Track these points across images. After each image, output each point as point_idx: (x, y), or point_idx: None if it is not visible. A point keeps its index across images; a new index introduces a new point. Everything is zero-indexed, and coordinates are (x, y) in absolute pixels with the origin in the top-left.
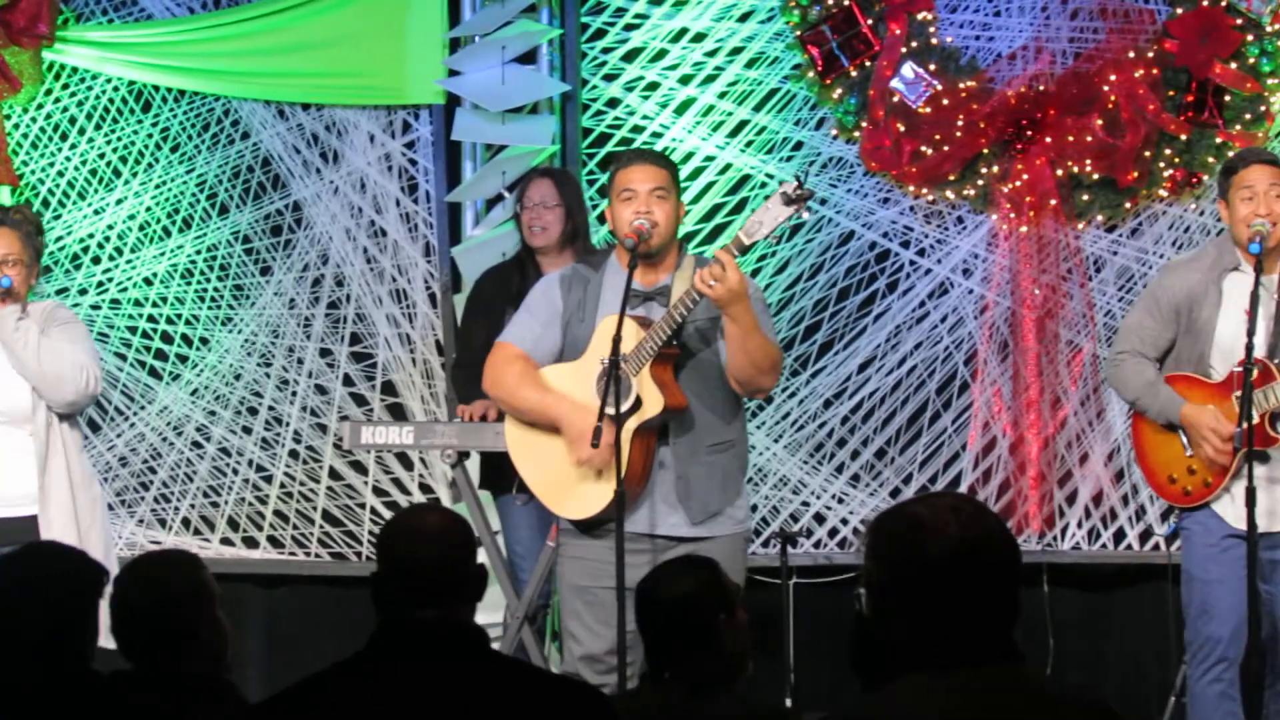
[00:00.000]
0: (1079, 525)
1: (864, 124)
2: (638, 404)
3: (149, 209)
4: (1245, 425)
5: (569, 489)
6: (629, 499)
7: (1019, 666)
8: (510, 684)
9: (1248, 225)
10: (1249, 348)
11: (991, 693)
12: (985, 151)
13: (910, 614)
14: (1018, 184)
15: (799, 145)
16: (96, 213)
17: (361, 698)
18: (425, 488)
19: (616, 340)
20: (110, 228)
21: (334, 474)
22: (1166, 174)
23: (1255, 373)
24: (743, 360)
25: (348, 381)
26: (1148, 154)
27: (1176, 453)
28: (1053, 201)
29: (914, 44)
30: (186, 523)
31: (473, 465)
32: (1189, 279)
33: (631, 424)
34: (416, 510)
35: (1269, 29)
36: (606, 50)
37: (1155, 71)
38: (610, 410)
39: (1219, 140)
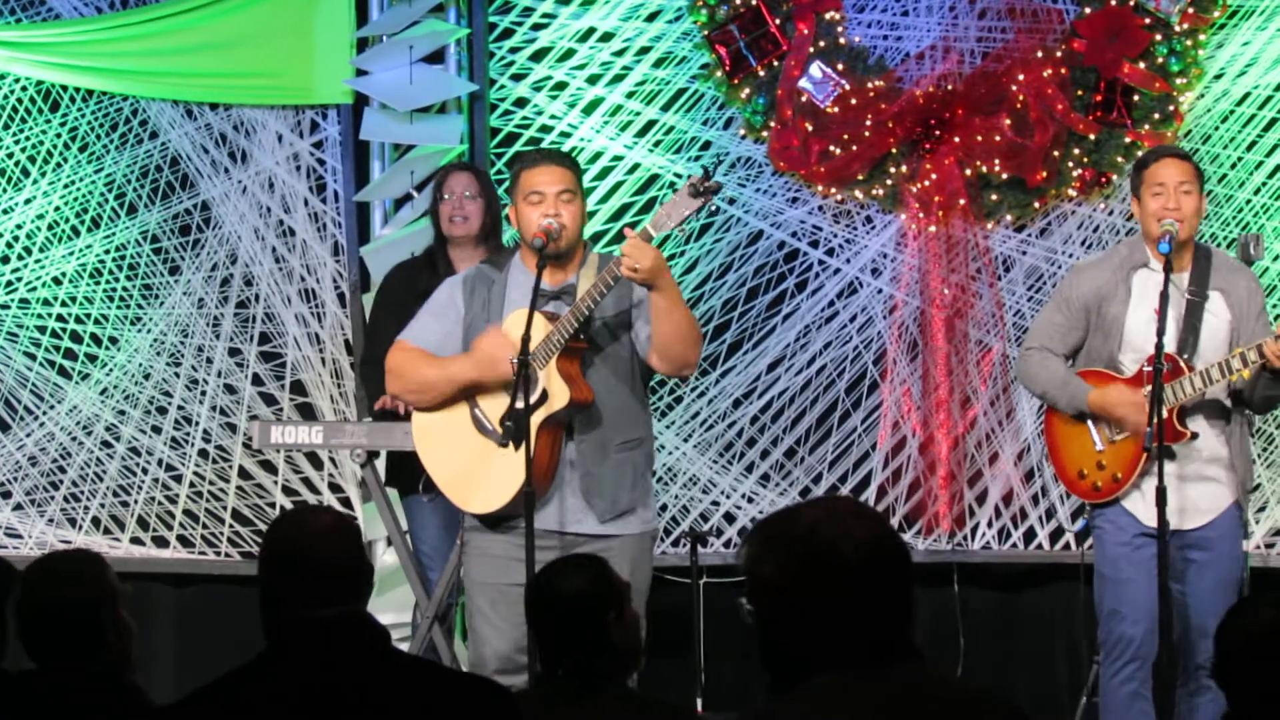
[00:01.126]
0: (989, 525)
1: (772, 123)
2: (544, 397)
3: (57, 209)
4: (1155, 423)
5: (474, 484)
6: (535, 494)
7: (923, 665)
8: (414, 682)
9: (1158, 221)
10: (1158, 347)
11: (898, 692)
12: (893, 151)
13: (815, 617)
14: (926, 184)
15: (707, 145)
16: (5, 212)
17: (268, 699)
18: (335, 487)
19: (525, 338)
20: (19, 227)
21: (244, 473)
22: (1075, 173)
23: (1165, 370)
24: (672, 333)
25: (257, 381)
26: (1056, 154)
27: (1087, 448)
28: (961, 201)
29: (822, 43)
30: (96, 522)
31: (381, 465)
32: (1099, 277)
33: (538, 417)
34: (305, 511)
35: (1177, 28)
36: (514, 50)
37: (1064, 71)
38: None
39: (1128, 140)
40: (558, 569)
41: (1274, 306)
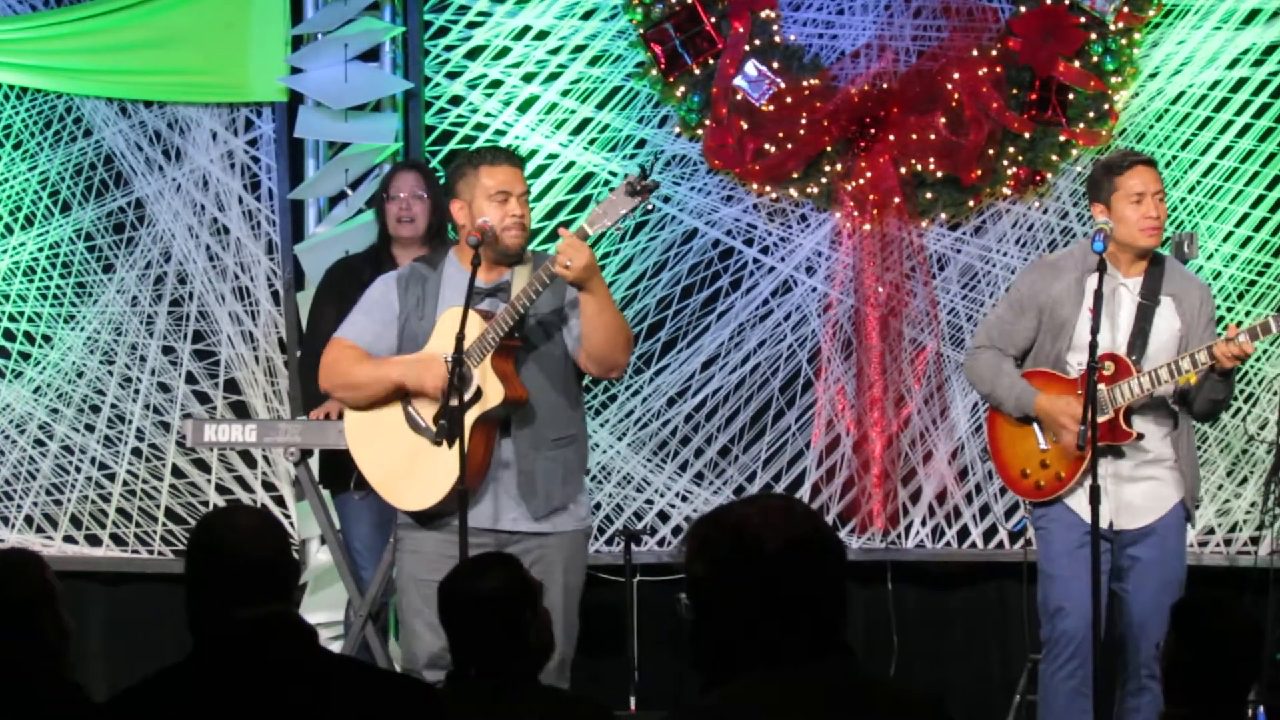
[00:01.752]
0: (923, 523)
1: (707, 122)
2: (478, 395)
3: None
4: (1089, 421)
5: (407, 481)
6: (469, 492)
7: (852, 662)
8: (340, 682)
9: (1140, 228)
10: (1093, 346)
11: (827, 688)
12: (828, 149)
13: (745, 614)
14: (861, 182)
15: (642, 143)
16: None
17: (196, 699)
18: (269, 485)
19: (460, 336)
20: None
21: (177, 471)
22: (1010, 172)
23: (1111, 368)
24: (601, 335)
25: (191, 379)
26: (991, 152)
27: (1030, 447)
28: (896, 199)
29: (757, 42)
30: (29, 520)
31: (314, 463)
32: (1053, 279)
33: (472, 415)
34: (232, 510)
35: (1112, 27)
36: (449, 48)
37: (999, 69)
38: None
39: (1063, 138)
40: (470, 568)
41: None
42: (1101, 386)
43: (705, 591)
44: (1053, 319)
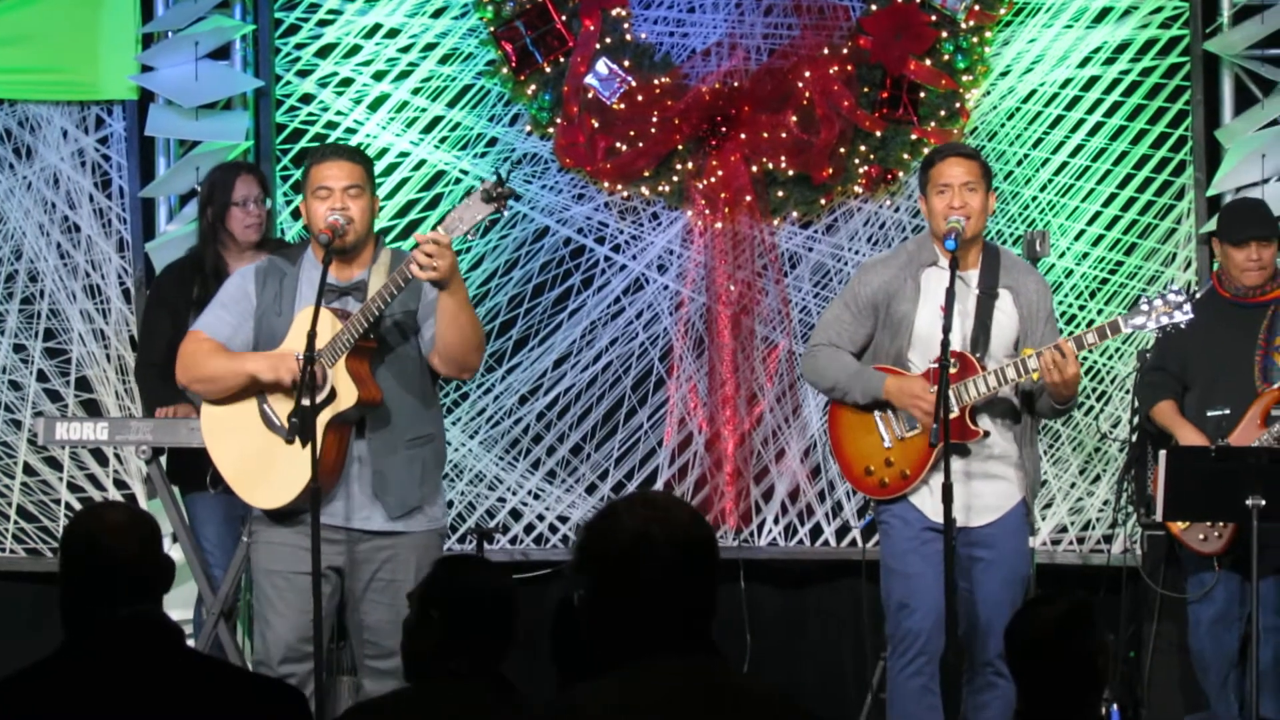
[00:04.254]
0: (775, 521)
1: (558, 120)
2: (332, 396)
3: None
4: (941, 419)
5: (261, 479)
6: (322, 491)
7: (714, 661)
8: (207, 682)
9: (944, 219)
10: (944, 344)
11: (684, 686)
12: (680, 148)
13: (614, 610)
14: (712, 180)
15: (493, 141)
16: None
17: (60, 698)
18: (120, 483)
19: (311, 335)
20: None
21: (29, 470)
22: (861, 170)
23: (955, 367)
24: (456, 336)
25: (42, 377)
26: (842, 150)
27: (874, 444)
28: (747, 198)
29: (608, 40)
30: None
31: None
32: (887, 274)
33: (325, 416)
34: (100, 509)
35: (964, 26)
36: (300, 46)
37: (850, 68)
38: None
39: (914, 137)
40: (472, 566)
41: (1060, 302)
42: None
43: (583, 587)
44: (890, 316)
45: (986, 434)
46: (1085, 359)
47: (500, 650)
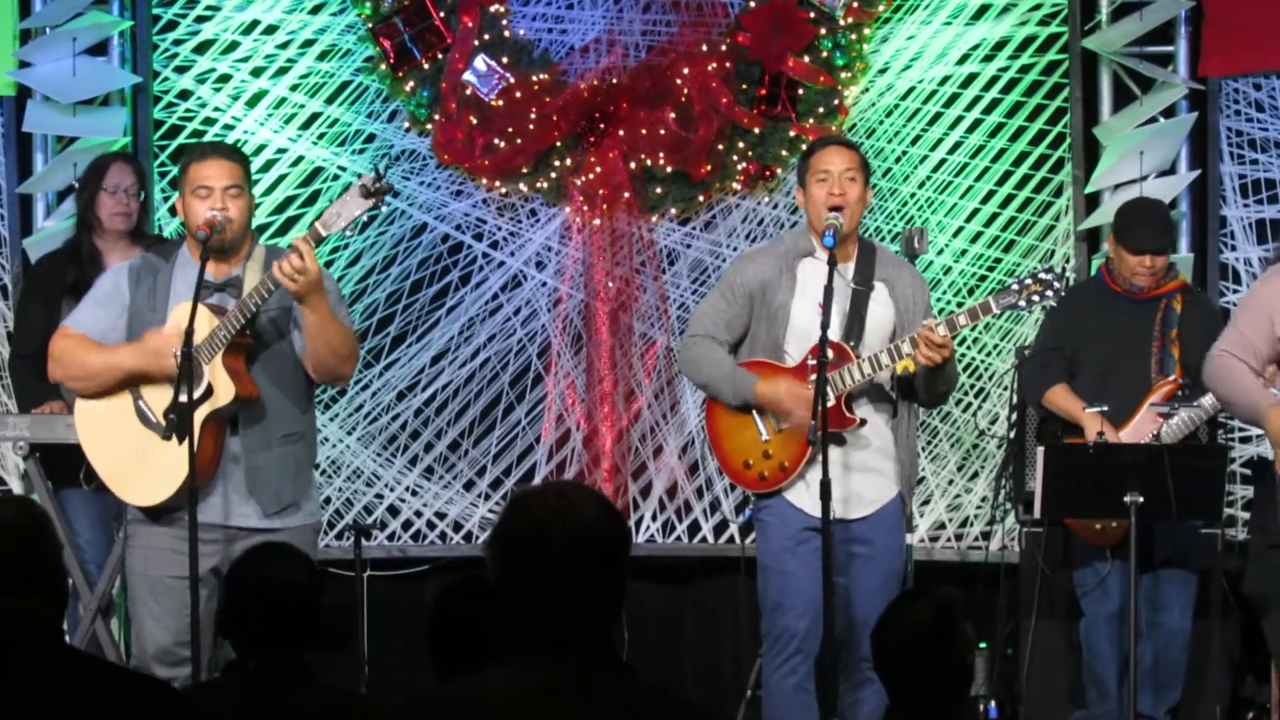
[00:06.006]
0: (654, 518)
1: (436, 117)
2: (209, 392)
3: None
4: (819, 414)
5: (137, 476)
6: (198, 487)
7: (604, 661)
8: (84, 680)
9: (824, 208)
10: (823, 340)
11: (567, 684)
12: (558, 144)
13: (508, 600)
14: (590, 177)
15: (371, 138)
16: None
17: None
18: None
19: (189, 331)
20: None
21: None
22: (740, 167)
23: (831, 355)
24: (323, 350)
25: None
26: (721, 147)
27: (752, 438)
28: (626, 194)
29: (486, 36)
30: None
31: None
32: (763, 265)
33: (202, 412)
34: None
35: (842, 22)
36: (178, 42)
37: (728, 65)
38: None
39: (792, 134)
40: (263, 557)
41: (939, 298)
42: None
43: (494, 579)
44: (766, 306)
45: (863, 421)
46: (963, 356)
47: (302, 642)
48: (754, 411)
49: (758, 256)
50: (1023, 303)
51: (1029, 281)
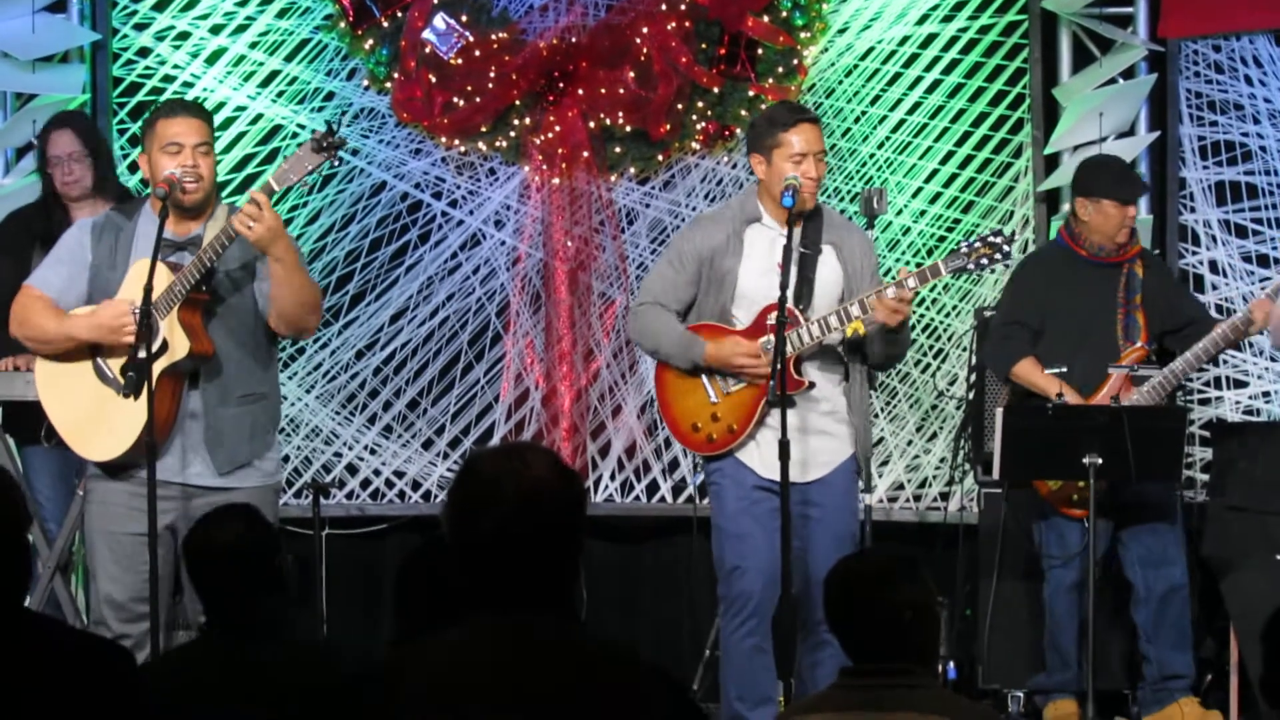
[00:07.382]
0: (612, 478)
1: (396, 75)
2: (164, 347)
3: None
4: (778, 372)
5: (95, 432)
6: (155, 444)
7: (559, 619)
8: (31, 639)
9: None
10: (781, 300)
11: (518, 642)
12: (517, 103)
13: (460, 559)
14: (550, 136)
15: (331, 96)
16: None
17: None
18: None
19: (148, 288)
20: None
21: None
22: (699, 127)
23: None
24: (289, 298)
25: None
26: (680, 106)
27: (701, 400)
28: (585, 154)
29: None
30: None
31: None
32: (712, 231)
33: (158, 367)
34: None
35: None
36: (137, 0)
37: (687, 24)
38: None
39: (751, 94)
40: (216, 519)
41: (898, 259)
42: (771, 337)
43: (448, 537)
44: (714, 271)
45: (812, 384)
46: (922, 317)
47: (262, 596)
48: (703, 375)
49: (705, 223)
50: (971, 265)
51: (978, 244)
